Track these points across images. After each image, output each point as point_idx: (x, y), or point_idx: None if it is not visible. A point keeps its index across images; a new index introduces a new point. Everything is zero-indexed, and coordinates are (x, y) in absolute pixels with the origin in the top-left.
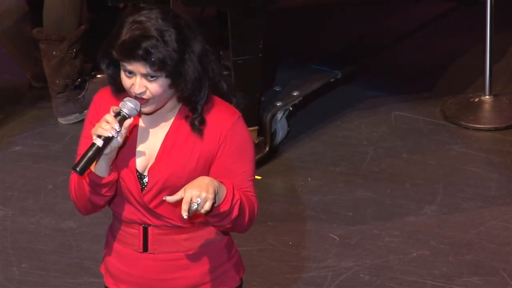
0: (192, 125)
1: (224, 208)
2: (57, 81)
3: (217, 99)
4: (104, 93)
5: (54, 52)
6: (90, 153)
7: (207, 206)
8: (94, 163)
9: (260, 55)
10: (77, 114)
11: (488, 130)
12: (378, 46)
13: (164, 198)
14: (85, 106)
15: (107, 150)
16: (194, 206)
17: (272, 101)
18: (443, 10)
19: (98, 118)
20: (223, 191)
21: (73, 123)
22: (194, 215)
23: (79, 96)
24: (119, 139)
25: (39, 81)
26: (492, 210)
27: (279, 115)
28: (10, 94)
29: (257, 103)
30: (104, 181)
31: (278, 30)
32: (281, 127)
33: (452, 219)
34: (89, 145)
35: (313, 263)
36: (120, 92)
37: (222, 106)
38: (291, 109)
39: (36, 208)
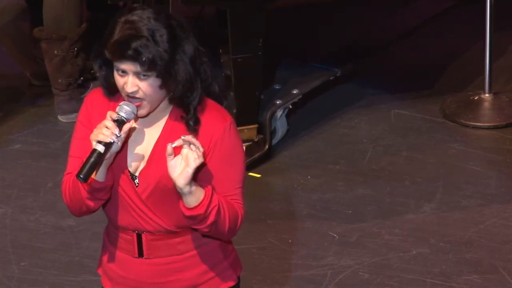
0: (187, 125)
1: (199, 211)
2: (60, 80)
3: (209, 102)
4: (95, 95)
5: (56, 51)
6: (92, 160)
7: (197, 161)
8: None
9: (260, 53)
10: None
11: (488, 128)
12: (378, 44)
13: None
14: None
15: (106, 155)
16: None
17: (271, 99)
18: (443, 9)
19: (89, 120)
20: (200, 194)
21: (73, 121)
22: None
23: (82, 96)
24: (119, 144)
25: (38, 79)
26: (492, 208)
27: (279, 113)
28: (9, 92)
29: (256, 101)
30: (102, 186)
31: (278, 28)
32: (280, 125)
33: (452, 217)
34: (82, 146)
35: (312, 261)
36: (112, 94)
37: (215, 111)
38: (290, 107)
39: (35, 206)
